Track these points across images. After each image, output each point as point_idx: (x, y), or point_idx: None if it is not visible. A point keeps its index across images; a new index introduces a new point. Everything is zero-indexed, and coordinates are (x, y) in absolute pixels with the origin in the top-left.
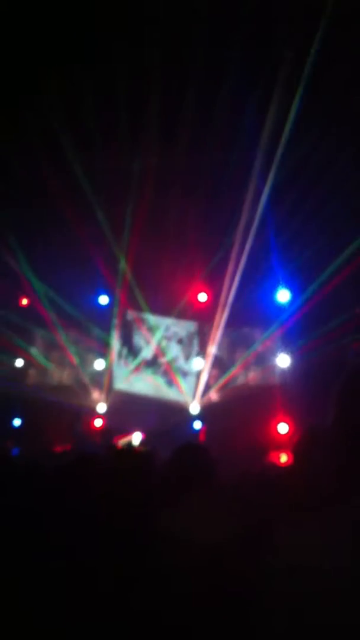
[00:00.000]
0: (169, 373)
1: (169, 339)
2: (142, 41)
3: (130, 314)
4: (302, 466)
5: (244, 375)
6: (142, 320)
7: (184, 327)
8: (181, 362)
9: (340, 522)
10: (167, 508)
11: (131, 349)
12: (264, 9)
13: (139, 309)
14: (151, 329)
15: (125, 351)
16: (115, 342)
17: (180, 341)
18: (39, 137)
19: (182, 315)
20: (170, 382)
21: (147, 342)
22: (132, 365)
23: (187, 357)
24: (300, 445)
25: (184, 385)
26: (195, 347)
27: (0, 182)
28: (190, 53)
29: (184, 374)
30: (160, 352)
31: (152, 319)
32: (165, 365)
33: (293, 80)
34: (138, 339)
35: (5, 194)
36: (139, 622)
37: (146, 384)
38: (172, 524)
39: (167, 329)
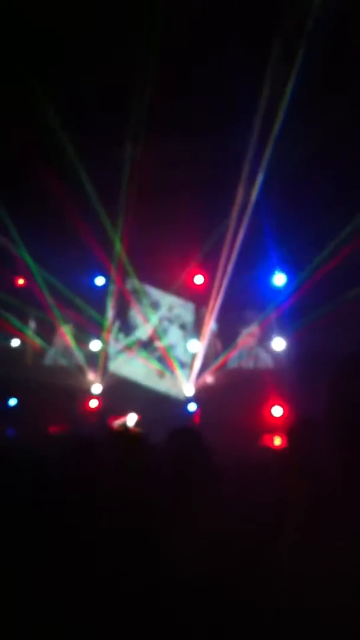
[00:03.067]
0: (166, 359)
1: (170, 320)
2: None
3: (129, 290)
4: (297, 455)
5: (240, 358)
6: (141, 297)
7: (188, 310)
8: (180, 350)
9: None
10: (166, 501)
11: (127, 329)
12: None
13: (138, 284)
14: (151, 307)
15: (120, 331)
16: (111, 323)
17: (182, 326)
18: (31, 118)
19: (178, 296)
20: (166, 369)
21: (144, 322)
22: (126, 345)
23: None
24: (294, 434)
25: (181, 372)
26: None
27: None
28: (188, 44)
29: (183, 363)
30: (156, 334)
31: (154, 294)
32: (161, 349)
33: (288, 62)
34: (134, 318)
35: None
36: (137, 615)
37: (140, 368)
38: (173, 524)
39: (170, 309)
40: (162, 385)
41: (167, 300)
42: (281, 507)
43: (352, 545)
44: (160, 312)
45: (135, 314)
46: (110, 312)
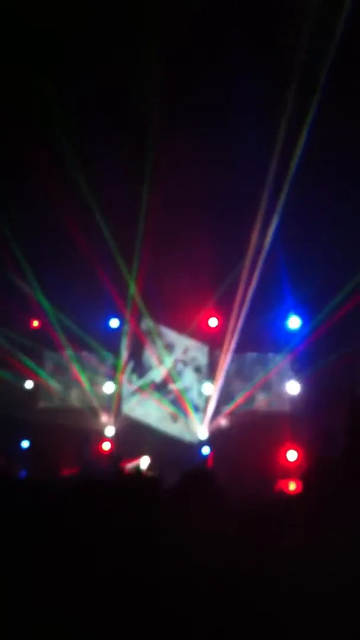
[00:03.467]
0: (180, 402)
1: (185, 363)
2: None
3: (143, 331)
4: (312, 494)
5: (253, 401)
6: (155, 338)
7: (203, 353)
8: (194, 393)
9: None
10: (173, 533)
11: (140, 370)
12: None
13: (152, 325)
14: (165, 348)
15: (133, 372)
16: (124, 364)
17: (197, 369)
18: (48, 161)
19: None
20: (180, 411)
21: (158, 364)
22: (140, 387)
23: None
24: (310, 474)
25: (195, 415)
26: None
27: (12, 208)
28: (199, 75)
29: (197, 406)
30: (171, 376)
31: (169, 335)
32: (175, 392)
33: (304, 102)
34: (148, 360)
35: (17, 219)
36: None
37: (153, 410)
38: (178, 543)
39: (185, 351)
40: (175, 428)
41: (183, 343)
42: (283, 514)
43: (351, 549)
44: (175, 354)
45: (150, 355)
46: (124, 353)
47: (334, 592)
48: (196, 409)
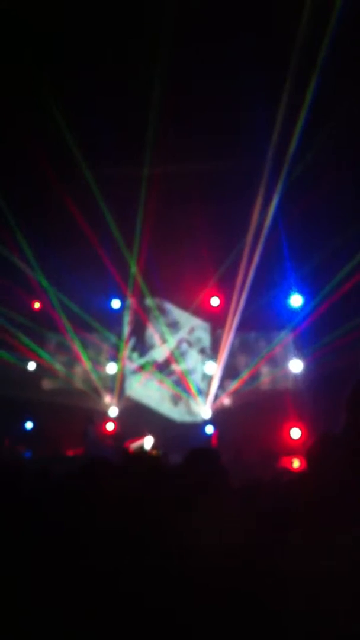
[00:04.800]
0: (184, 383)
1: (190, 343)
2: (151, 52)
3: (146, 308)
4: (316, 473)
5: (256, 379)
6: (157, 316)
7: (208, 333)
8: (198, 374)
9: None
10: (179, 512)
11: (141, 348)
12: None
13: (154, 303)
14: (168, 327)
15: (134, 350)
16: (126, 342)
17: (202, 350)
18: (49, 145)
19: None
20: (183, 392)
21: (160, 343)
22: (141, 366)
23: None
24: (313, 452)
25: (199, 396)
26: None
27: (14, 191)
28: (199, 61)
29: (200, 389)
30: (174, 357)
31: (174, 314)
32: (178, 373)
33: (302, 86)
34: (150, 338)
35: (18, 202)
36: (147, 622)
37: (155, 391)
38: (184, 528)
39: (191, 330)
40: (176, 412)
41: (189, 322)
42: (287, 514)
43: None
44: (180, 333)
45: (152, 334)
46: (126, 330)
47: (338, 594)
48: (200, 392)
